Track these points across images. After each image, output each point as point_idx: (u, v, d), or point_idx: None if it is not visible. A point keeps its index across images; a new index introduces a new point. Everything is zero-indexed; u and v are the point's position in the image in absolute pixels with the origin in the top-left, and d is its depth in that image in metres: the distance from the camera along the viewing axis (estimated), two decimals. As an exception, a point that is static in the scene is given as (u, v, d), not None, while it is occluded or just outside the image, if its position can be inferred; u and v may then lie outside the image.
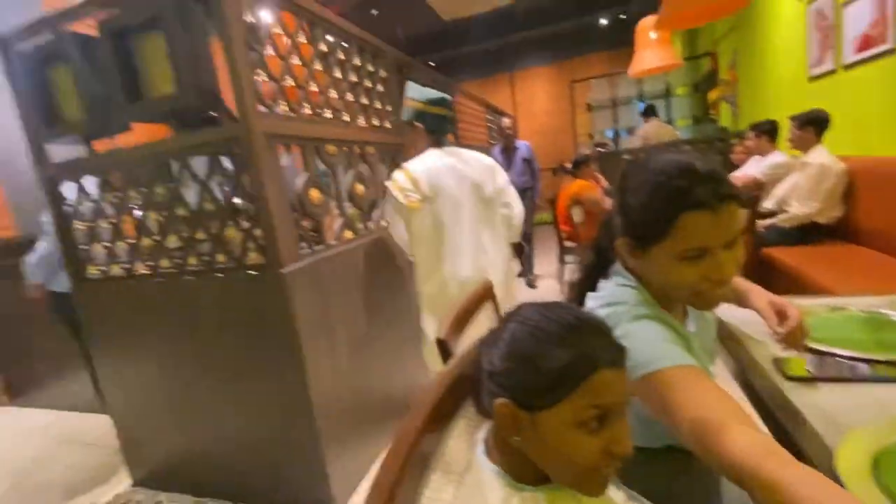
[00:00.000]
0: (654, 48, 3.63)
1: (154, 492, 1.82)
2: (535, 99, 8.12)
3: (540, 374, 0.51)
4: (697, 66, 6.35)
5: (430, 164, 1.60)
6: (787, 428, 0.66)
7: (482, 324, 1.00)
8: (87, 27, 1.57)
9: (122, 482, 1.90)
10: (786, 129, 2.82)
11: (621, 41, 6.76)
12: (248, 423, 1.60)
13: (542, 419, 0.51)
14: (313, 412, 1.49)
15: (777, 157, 3.01)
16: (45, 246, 2.01)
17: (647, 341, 0.63)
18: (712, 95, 5.50)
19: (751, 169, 3.17)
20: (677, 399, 0.57)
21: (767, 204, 2.92)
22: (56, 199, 1.74)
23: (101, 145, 1.71)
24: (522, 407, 0.52)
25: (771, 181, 2.97)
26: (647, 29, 3.58)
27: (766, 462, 0.45)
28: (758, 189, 3.00)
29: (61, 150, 1.74)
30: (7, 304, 2.68)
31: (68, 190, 1.75)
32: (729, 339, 0.96)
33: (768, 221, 2.73)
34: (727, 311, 0.99)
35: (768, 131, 3.10)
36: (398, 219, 1.65)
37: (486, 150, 3.85)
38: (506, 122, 4.04)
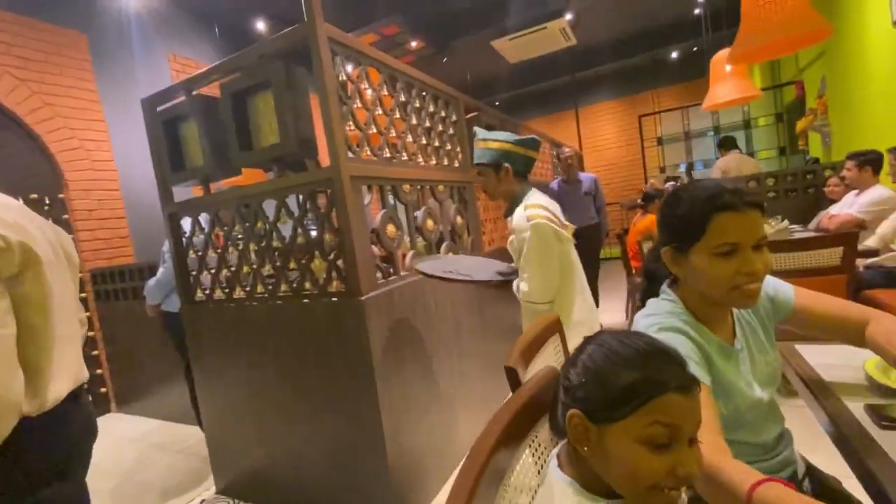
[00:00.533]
0: (730, 80, 3.51)
1: (235, 500, 1.97)
2: (601, 133, 8.07)
3: (609, 389, 0.56)
4: (781, 94, 6.01)
5: (545, 202, 1.60)
6: (876, 474, 0.62)
7: (549, 356, 1.04)
8: (209, 90, 1.89)
9: (209, 489, 2.09)
10: (886, 161, 2.58)
11: (694, 73, 6.60)
12: (322, 444, 1.72)
13: (609, 432, 0.56)
14: (384, 438, 1.57)
15: (880, 192, 2.74)
16: (162, 272, 2.33)
17: None
18: (800, 125, 5.15)
19: (848, 205, 2.91)
20: None
21: (870, 242, 2.65)
22: (176, 232, 2.03)
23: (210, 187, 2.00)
24: (592, 419, 0.57)
25: (874, 219, 2.71)
26: (722, 62, 3.49)
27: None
28: (859, 227, 2.75)
29: (179, 191, 2.06)
30: (124, 321, 3.11)
31: (185, 224, 2.05)
32: (816, 384, 0.91)
33: (870, 261, 2.48)
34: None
35: (872, 161, 2.83)
36: (547, 255, 1.52)
37: (543, 185, 3.78)
38: (566, 151, 3.82)
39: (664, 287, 0.89)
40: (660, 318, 0.82)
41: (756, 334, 0.90)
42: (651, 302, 0.89)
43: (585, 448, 0.57)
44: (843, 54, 3.94)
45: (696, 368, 0.70)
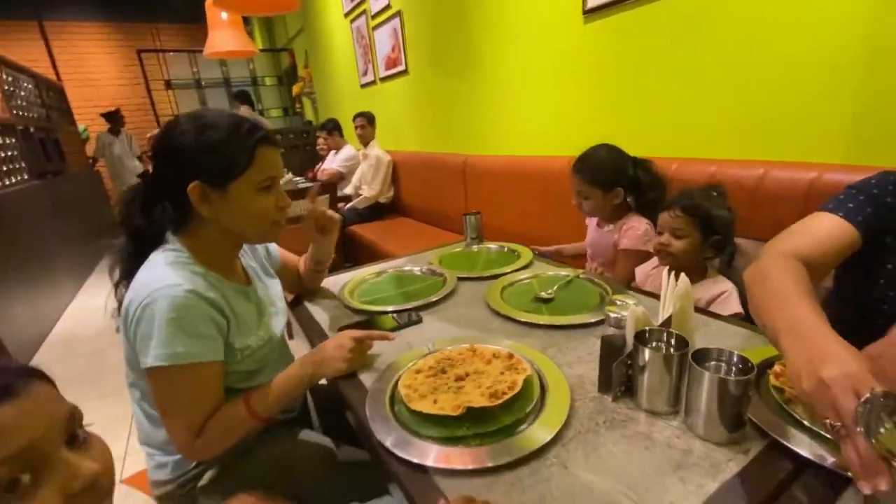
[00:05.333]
0: (227, 30, 3.47)
1: None
2: (89, 63, 6.35)
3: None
4: (279, 58, 6.67)
5: None
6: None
7: None
8: None
9: None
10: (351, 126, 3.35)
11: (197, 15, 6.19)
12: None
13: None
14: None
15: (349, 151, 3.56)
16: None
17: (170, 335, 0.67)
18: (295, 90, 5.93)
19: (331, 162, 3.62)
20: (162, 399, 0.71)
21: (348, 190, 3.44)
22: None
23: None
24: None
25: (349, 171, 3.50)
26: (212, 6, 3.38)
27: None
28: (341, 179, 3.48)
29: None
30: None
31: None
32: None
33: (350, 205, 3.22)
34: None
35: (332, 129, 3.59)
36: None
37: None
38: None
39: (168, 236, 0.78)
40: (163, 299, 0.68)
41: (261, 279, 0.92)
42: (145, 273, 0.73)
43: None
44: (317, 34, 4.74)
45: (200, 352, 0.70)
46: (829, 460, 0.49)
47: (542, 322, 0.88)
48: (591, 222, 1.55)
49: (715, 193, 1.10)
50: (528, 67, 2.12)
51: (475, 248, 1.45)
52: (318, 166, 3.80)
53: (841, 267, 0.74)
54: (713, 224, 1.05)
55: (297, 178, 3.71)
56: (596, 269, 1.43)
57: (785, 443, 0.52)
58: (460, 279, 1.16)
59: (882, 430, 0.39)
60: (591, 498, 0.49)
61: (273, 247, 1.05)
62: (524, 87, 2.17)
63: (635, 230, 1.33)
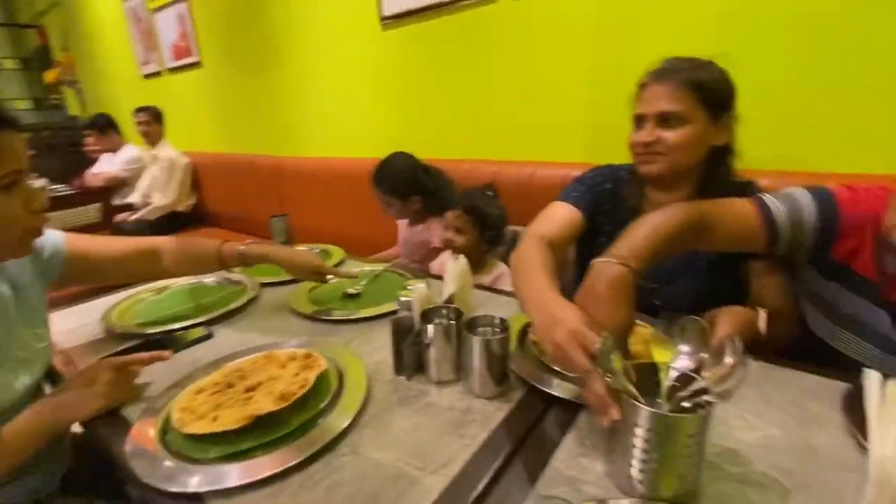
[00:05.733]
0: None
1: None
2: None
3: None
4: (23, 37, 5.22)
5: None
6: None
7: None
8: None
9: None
10: (130, 122, 2.82)
11: None
12: None
13: None
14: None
15: (132, 151, 2.97)
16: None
17: None
18: (49, 77, 4.71)
19: (107, 165, 2.97)
20: None
21: (133, 198, 2.87)
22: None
23: None
24: None
25: (133, 175, 2.92)
26: None
27: None
28: (122, 185, 2.88)
29: None
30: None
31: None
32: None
33: (134, 217, 2.69)
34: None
35: (104, 126, 2.96)
36: None
37: None
38: None
39: None
40: None
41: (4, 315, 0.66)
42: None
43: None
44: (78, 10, 3.86)
45: None
46: (568, 394, 0.60)
47: (346, 317, 0.88)
48: (403, 222, 1.62)
49: (490, 193, 1.26)
50: (334, 70, 2.11)
51: (283, 252, 1.37)
52: (86, 171, 3.07)
53: (577, 241, 0.93)
54: (488, 221, 1.20)
55: (59, 186, 2.95)
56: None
57: (539, 386, 0.63)
58: (264, 286, 1.08)
59: (612, 366, 0.48)
60: (380, 475, 0.50)
61: (53, 239, 0.76)
62: (333, 90, 2.15)
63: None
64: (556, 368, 0.66)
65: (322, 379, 0.64)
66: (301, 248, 1.39)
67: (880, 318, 0.68)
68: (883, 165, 1.02)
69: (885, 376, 0.41)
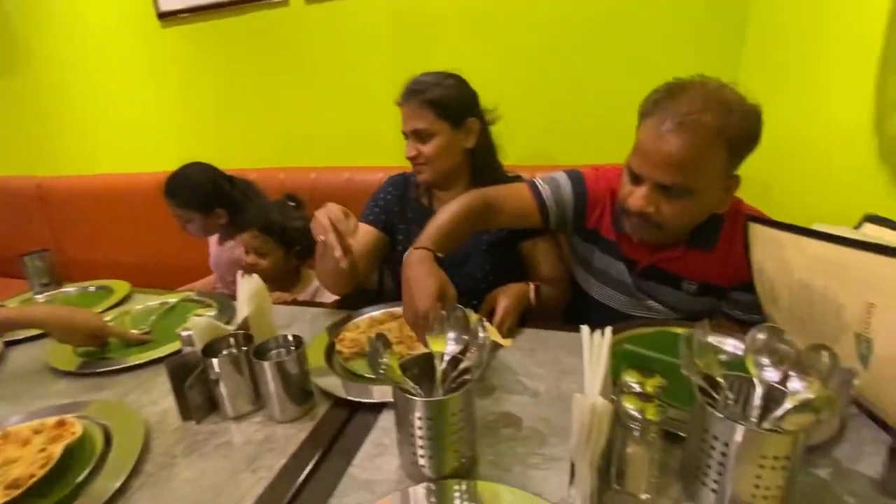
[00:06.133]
0: None
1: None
2: None
3: None
4: None
5: None
6: None
7: None
8: None
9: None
10: None
11: None
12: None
13: None
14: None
15: None
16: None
17: None
18: None
19: None
20: None
21: None
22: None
23: None
24: None
25: None
26: None
27: None
28: None
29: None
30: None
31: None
32: None
33: None
34: None
35: None
36: None
37: None
38: None
39: None
40: None
41: None
42: None
43: None
44: None
45: None
46: (374, 397, 0.62)
47: (117, 367, 0.75)
48: (213, 239, 1.45)
49: (293, 204, 1.20)
50: (101, 72, 1.78)
51: (42, 297, 1.11)
52: None
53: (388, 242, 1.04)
54: (290, 236, 1.14)
55: None
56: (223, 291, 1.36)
57: (342, 395, 0.62)
58: (9, 344, 0.86)
59: (387, 362, 0.51)
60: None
61: None
62: (103, 95, 1.81)
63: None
64: (361, 374, 0.67)
65: (78, 447, 0.54)
66: (70, 286, 1.15)
67: (620, 268, 0.87)
68: (615, 156, 1.30)
69: (592, 329, 0.51)
